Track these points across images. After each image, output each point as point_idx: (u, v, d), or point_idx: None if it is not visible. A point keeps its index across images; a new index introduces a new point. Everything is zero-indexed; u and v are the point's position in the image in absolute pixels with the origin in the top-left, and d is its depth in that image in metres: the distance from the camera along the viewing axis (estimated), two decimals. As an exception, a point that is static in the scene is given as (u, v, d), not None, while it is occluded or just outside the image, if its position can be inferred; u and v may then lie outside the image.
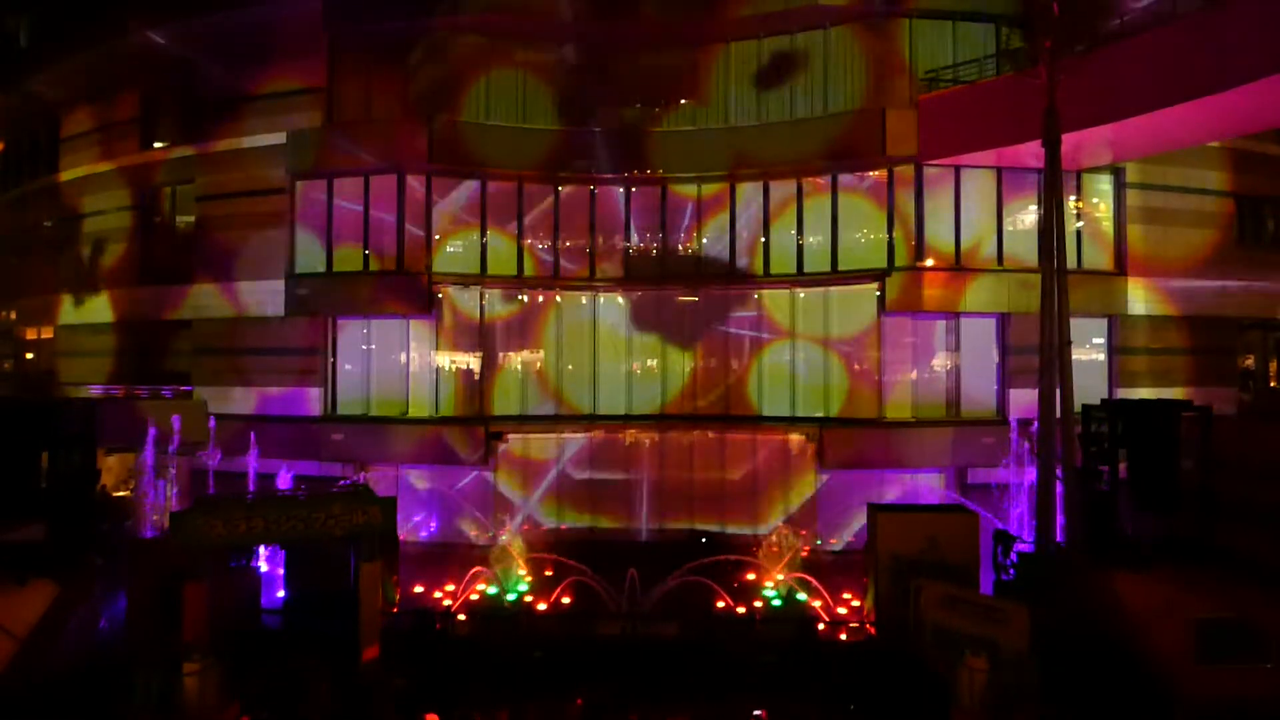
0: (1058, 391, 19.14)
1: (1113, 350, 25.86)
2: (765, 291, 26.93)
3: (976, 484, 24.38)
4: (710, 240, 27.23)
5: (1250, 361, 28.62)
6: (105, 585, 16.79)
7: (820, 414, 26.03)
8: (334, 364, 26.82)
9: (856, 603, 19.93)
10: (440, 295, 26.19)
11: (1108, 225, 26.07)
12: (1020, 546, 19.32)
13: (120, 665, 14.85)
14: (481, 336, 26.95)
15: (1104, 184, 25.99)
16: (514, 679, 17.05)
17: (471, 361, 26.93)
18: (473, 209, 26.78)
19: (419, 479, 26.29)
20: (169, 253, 29.11)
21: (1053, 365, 19.28)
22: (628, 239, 27.27)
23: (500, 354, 27.38)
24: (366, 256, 26.37)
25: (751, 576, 21.54)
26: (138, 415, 22.89)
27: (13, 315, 36.10)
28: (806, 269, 26.27)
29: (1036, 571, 18.31)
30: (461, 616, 18.75)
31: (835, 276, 25.91)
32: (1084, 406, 18.83)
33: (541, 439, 26.80)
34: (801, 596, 20.43)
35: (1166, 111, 19.92)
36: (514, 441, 26.50)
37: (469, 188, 26.71)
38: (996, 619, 15.23)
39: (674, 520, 26.35)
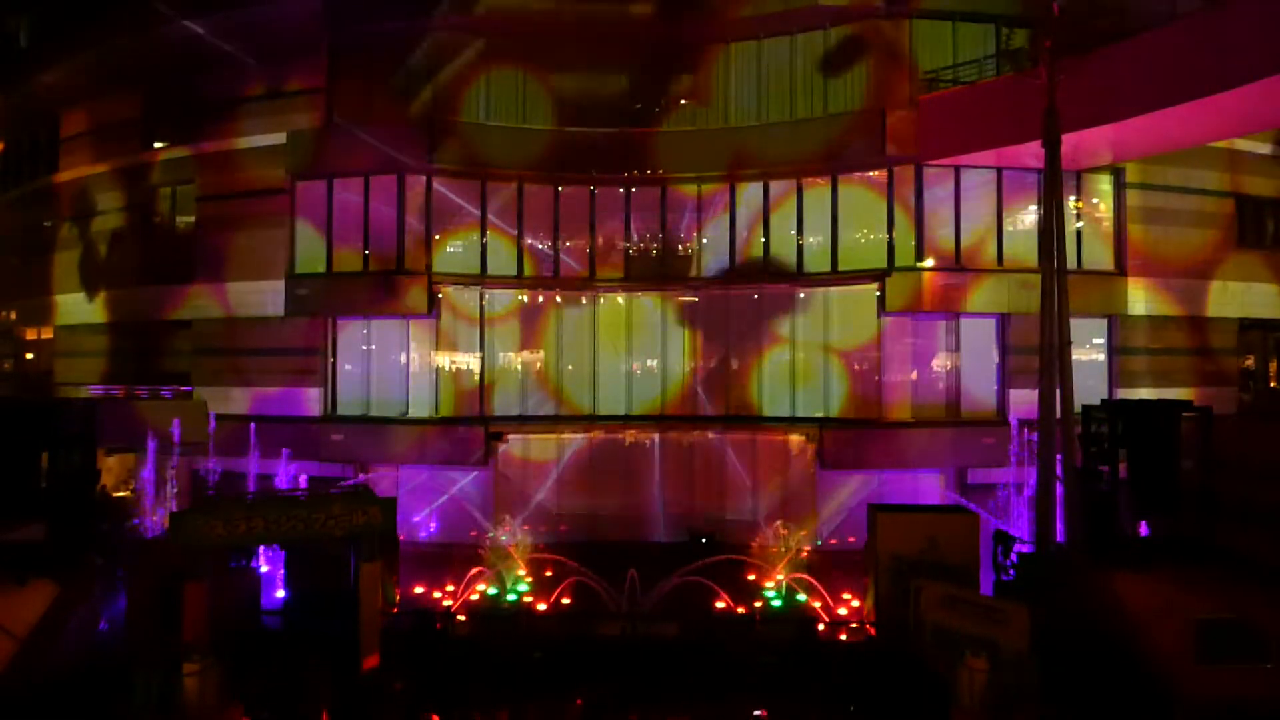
0: (1058, 392, 19.14)
1: (1113, 350, 25.86)
2: (765, 291, 26.92)
3: (977, 484, 24.39)
4: (710, 240, 27.22)
5: (1250, 361, 28.61)
6: (105, 585, 16.78)
7: (820, 414, 26.03)
8: (334, 364, 26.83)
9: (856, 603, 19.93)
10: (440, 295, 26.19)
11: (1108, 225, 26.08)
12: (1020, 547, 19.31)
13: (120, 665, 14.83)
14: (481, 337, 26.95)
15: (1104, 184, 25.99)
16: (514, 679, 17.04)
17: (471, 362, 26.93)
18: (473, 209, 26.76)
19: (419, 479, 26.26)
20: (169, 253, 29.09)
21: (1053, 365, 19.28)
22: (627, 239, 27.27)
23: (500, 354, 27.38)
24: (366, 256, 26.38)
25: (751, 577, 21.54)
26: (138, 416, 22.93)
27: (13, 315, 36.09)
28: (806, 269, 26.28)
29: (1036, 572, 18.30)
30: (461, 617, 18.75)
31: (835, 277, 25.91)
32: (1084, 407, 18.83)
33: (541, 439, 26.81)
34: (801, 597, 20.43)
35: (1166, 111, 19.93)
36: (514, 442, 26.50)
37: (469, 188, 26.69)
38: (996, 619, 15.23)
39: (674, 520, 26.36)
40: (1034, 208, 25.38)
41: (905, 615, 16.93)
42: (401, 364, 26.65)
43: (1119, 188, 25.92)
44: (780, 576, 21.04)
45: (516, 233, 26.95)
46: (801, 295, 26.62)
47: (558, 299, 27.46)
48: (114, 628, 16.75)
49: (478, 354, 26.91)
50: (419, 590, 20.98)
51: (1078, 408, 18.99)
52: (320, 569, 18.29)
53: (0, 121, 36.92)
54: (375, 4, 26.28)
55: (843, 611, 19.65)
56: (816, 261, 26.13)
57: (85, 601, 16.08)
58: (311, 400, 26.36)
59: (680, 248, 27.39)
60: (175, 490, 22.58)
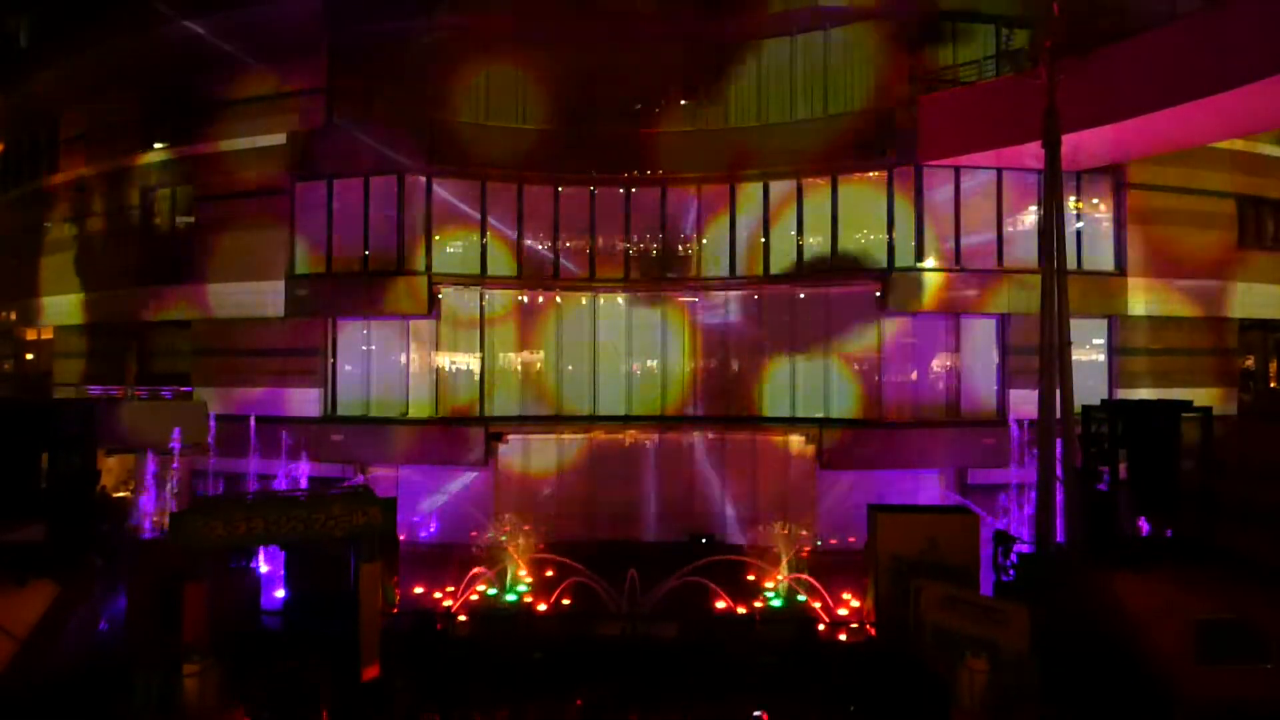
0: (1058, 392, 19.13)
1: (1113, 351, 25.86)
2: (766, 292, 26.92)
3: (977, 484, 24.39)
4: (710, 240, 27.21)
5: (1250, 361, 28.62)
6: (105, 585, 16.77)
7: (820, 414, 26.01)
8: (334, 364, 26.82)
9: (856, 603, 19.92)
10: (440, 295, 26.17)
11: (1108, 225, 26.07)
12: (1020, 547, 19.31)
13: (120, 665, 14.82)
14: (481, 337, 26.93)
15: (1104, 185, 25.97)
16: (514, 679, 17.05)
17: (471, 362, 26.92)
18: (472, 209, 26.75)
19: (419, 480, 26.25)
20: (169, 253, 29.06)
21: (1053, 366, 19.27)
22: (627, 239, 27.25)
23: (500, 354, 27.37)
24: (366, 257, 26.36)
25: (751, 577, 21.53)
26: (138, 416, 22.93)
27: (13, 315, 36.08)
28: (807, 269, 26.26)
29: (1036, 572, 18.30)
30: (462, 617, 18.75)
31: (835, 276, 25.90)
32: (1084, 407, 18.84)
33: (541, 439, 26.81)
34: (801, 597, 20.42)
35: (1166, 111, 19.92)
36: (514, 442, 26.49)
37: (469, 188, 26.68)
38: (996, 620, 15.23)
39: (674, 520, 26.36)
40: (1034, 208, 25.37)
41: (905, 615, 16.93)
42: (401, 364, 26.63)
43: (1119, 188, 25.90)
44: (780, 576, 21.02)
45: (516, 233, 26.94)
46: (801, 295, 26.60)
47: (558, 299, 27.46)
48: (114, 628, 16.74)
49: (478, 354, 26.90)
50: (419, 590, 20.96)
51: (1078, 408, 18.99)
52: (320, 569, 18.27)
53: (0, 121, 36.92)
54: (375, 4, 26.28)
55: (843, 612, 19.64)
56: (817, 261, 26.11)
57: (85, 601, 16.06)
58: (311, 401, 26.34)
59: (680, 248, 27.39)
60: (175, 490, 22.57)
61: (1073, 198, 25.41)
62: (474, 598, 20.36)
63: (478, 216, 26.76)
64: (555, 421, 26.92)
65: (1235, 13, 18.41)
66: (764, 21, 26.08)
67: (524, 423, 26.83)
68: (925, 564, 17.59)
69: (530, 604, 19.98)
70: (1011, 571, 18.89)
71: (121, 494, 22.41)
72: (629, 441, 26.81)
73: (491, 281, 26.84)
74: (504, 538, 22.04)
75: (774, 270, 26.62)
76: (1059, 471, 19.17)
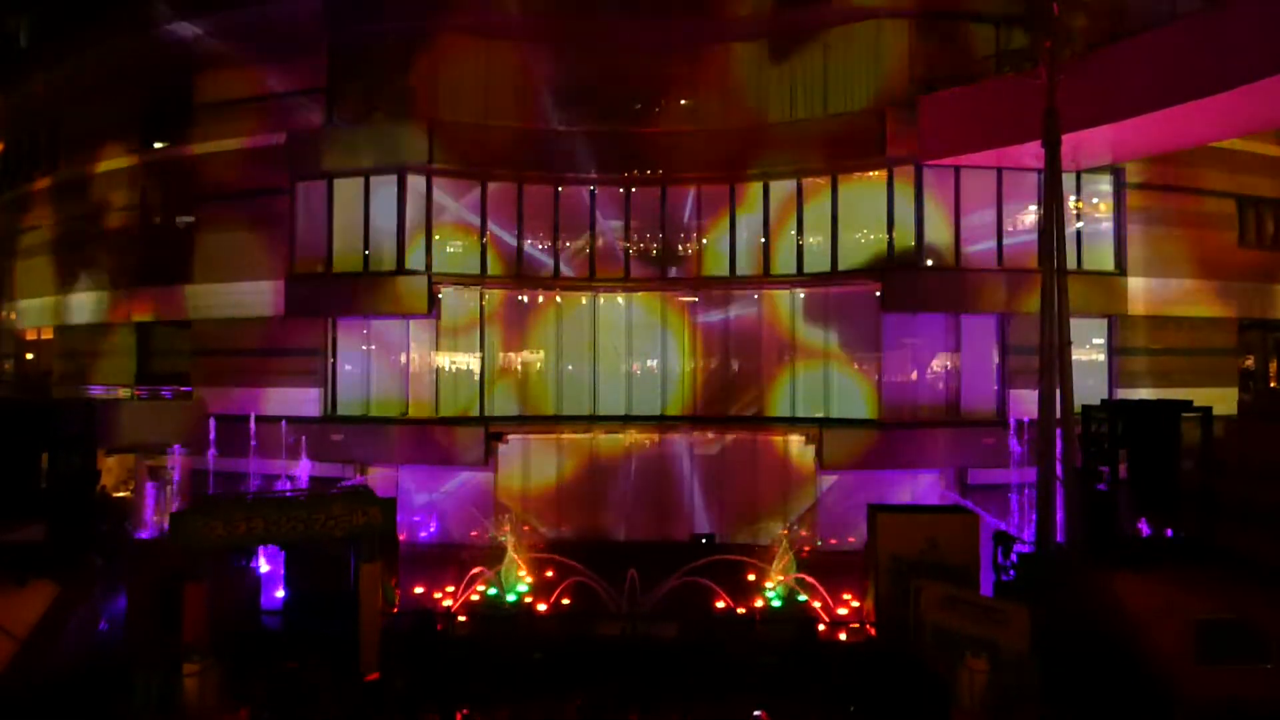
0: (1058, 392, 19.13)
1: (1113, 350, 25.86)
2: (765, 291, 26.91)
3: (977, 484, 24.38)
4: (710, 240, 27.22)
5: (1250, 361, 28.62)
6: (105, 585, 16.79)
7: (820, 414, 26.01)
8: (334, 364, 26.81)
9: (856, 603, 19.92)
10: (440, 295, 26.16)
11: (1108, 225, 26.06)
12: (1020, 547, 19.32)
13: (120, 665, 14.84)
14: (481, 337, 26.92)
15: (1104, 184, 25.96)
16: (514, 679, 17.04)
17: (471, 362, 26.92)
18: (473, 209, 26.75)
19: (419, 480, 26.25)
20: (169, 253, 29.07)
21: (1053, 365, 19.27)
22: (628, 239, 27.25)
23: (500, 354, 27.36)
24: (366, 256, 26.35)
25: (751, 577, 21.52)
26: (138, 416, 22.95)
27: (12, 315, 36.08)
28: (807, 269, 26.26)
29: (1036, 572, 18.30)
30: (462, 617, 18.75)
31: (835, 276, 25.89)
32: (1084, 407, 18.85)
33: (541, 439, 26.80)
34: (801, 597, 20.41)
35: (1166, 111, 19.89)
36: (514, 442, 26.47)
37: (469, 188, 26.68)
38: (996, 620, 15.24)
39: (674, 520, 26.35)
40: (1034, 208, 25.36)
41: (905, 615, 16.94)
42: (401, 364, 26.62)
43: (1119, 188, 25.89)
44: (780, 576, 21.02)
45: (516, 233, 26.93)
46: (802, 295, 26.60)
47: (558, 299, 27.45)
48: (114, 628, 16.75)
49: (477, 354, 26.89)
50: (419, 590, 20.96)
51: (1078, 408, 19.00)
52: (320, 569, 18.29)
53: (0, 121, 36.91)
54: (375, 4, 26.28)
55: (843, 612, 19.64)
56: (817, 261, 26.10)
57: (85, 601, 16.08)
58: (311, 400, 26.33)
59: (680, 248, 27.38)
60: (175, 490, 22.59)
61: (1073, 197, 25.39)
62: (474, 598, 20.36)
63: (477, 216, 26.75)
64: (555, 421, 26.92)
65: (1235, 13, 18.39)
66: (765, 20, 26.05)
67: (524, 423, 26.83)
68: (925, 564, 17.60)
69: (530, 604, 19.98)
70: (1011, 571, 18.91)
71: (121, 494, 22.44)
72: (629, 441, 26.80)
73: (491, 281, 26.83)
74: (504, 538, 22.05)
75: (774, 270, 26.60)
76: (1059, 471, 19.18)
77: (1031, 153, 21.46)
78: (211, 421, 24.96)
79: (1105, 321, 25.75)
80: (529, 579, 21.26)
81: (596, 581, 20.01)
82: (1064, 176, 20.57)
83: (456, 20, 26.09)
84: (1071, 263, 23.38)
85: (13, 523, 16.66)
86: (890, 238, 25.24)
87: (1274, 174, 27.43)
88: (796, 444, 26.03)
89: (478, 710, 16.95)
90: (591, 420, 26.82)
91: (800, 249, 26.35)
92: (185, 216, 28.95)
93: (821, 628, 18.43)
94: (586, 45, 26.60)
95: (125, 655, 15.41)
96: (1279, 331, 28.81)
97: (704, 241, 27.25)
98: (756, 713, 16.70)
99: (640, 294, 27.36)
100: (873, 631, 18.15)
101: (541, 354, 27.52)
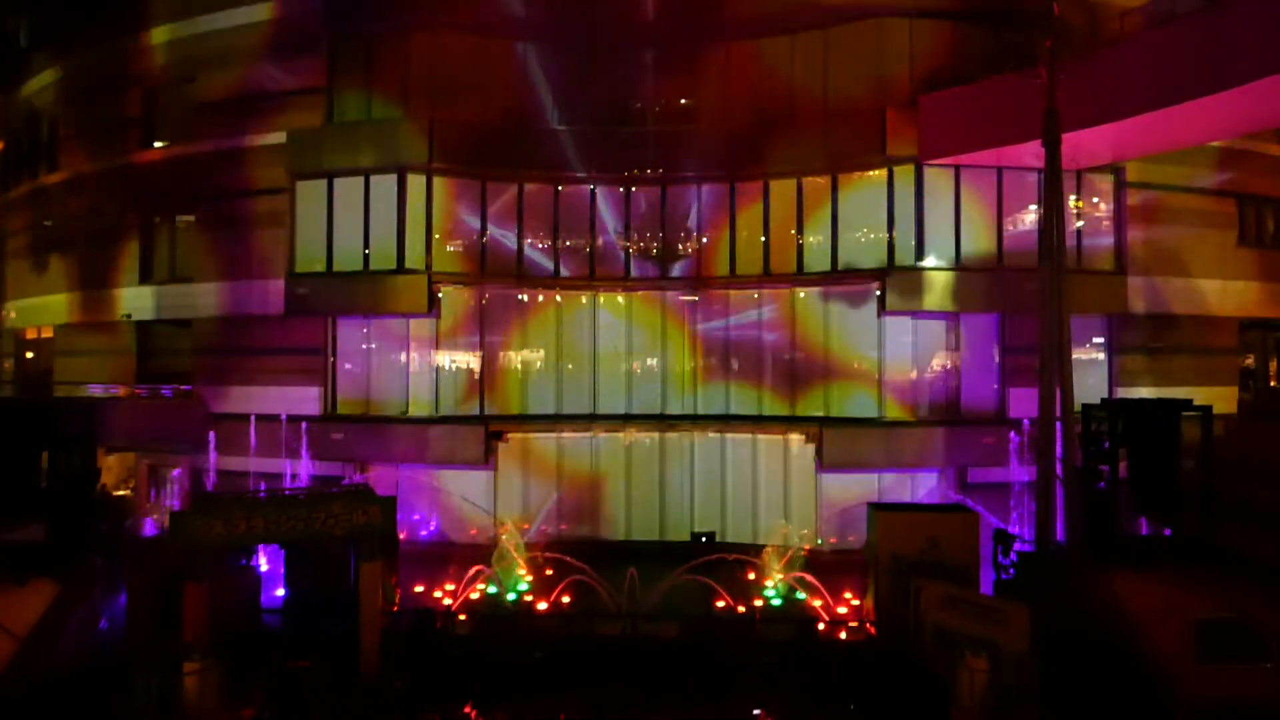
0: (1058, 391, 19.14)
1: (1113, 350, 25.85)
2: (766, 291, 26.91)
3: (977, 483, 24.38)
4: (710, 239, 27.20)
5: (1250, 361, 28.62)
6: (105, 585, 16.79)
7: (820, 414, 26.00)
8: (334, 363, 26.80)
9: (856, 602, 19.94)
10: (440, 295, 26.15)
11: (1108, 225, 26.05)
12: (1020, 546, 19.33)
13: (120, 665, 14.86)
14: (481, 336, 26.92)
15: (1104, 184, 25.95)
16: (514, 679, 17.04)
17: (471, 361, 26.92)
18: (473, 208, 26.74)
19: (419, 478, 26.26)
20: (169, 252, 29.08)
21: (1053, 365, 19.28)
22: (627, 239, 27.23)
23: (500, 353, 27.35)
24: (367, 255, 26.33)
25: (751, 576, 21.54)
26: (138, 415, 22.95)
27: (12, 314, 36.08)
28: (807, 269, 26.25)
29: (1036, 571, 18.32)
30: (462, 616, 18.75)
31: (835, 276, 25.88)
32: (1084, 406, 18.85)
33: (542, 438, 26.79)
34: (801, 596, 20.45)
35: (1166, 111, 19.89)
36: (514, 441, 26.47)
37: (469, 187, 26.67)
38: (996, 619, 15.24)
39: (674, 519, 26.38)
40: (1034, 207, 25.34)
41: (905, 615, 16.95)
42: (401, 363, 26.61)
43: (1119, 187, 25.88)
44: (780, 575, 21.05)
45: (516, 232, 26.92)
46: (802, 294, 26.60)
47: (558, 298, 27.44)
48: (114, 627, 16.76)
49: (478, 353, 26.89)
50: (419, 589, 20.98)
51: (1078, 407, 19.00)
52: (320, 568, 18.33)
53: (0, 121, 36.90)
54: (375, 4, 26.26)
55: (843, 611, 19.66)
56: (817, 261, 26.10)
57: (85, 601, 16.09)
58: (311, 399, 26.32)
59: (680, 247, 27.36)
60: (175, 490, 22.60)
61: (1073, 196, 25.39)
62: (474, 597, 20.38)
63: (477, 215, 26.75)
64: (555, 420, 26.91)
65: (1235, 13, 18.39)
66: (765, 20, 26.03)
67: (524, 421, 26.82)
68: (925, 563, 17.61)
69: (530, 603, 20.01)
70: (1011, 571, 18.91)
71: (122, 492, 22.45)
72: (629, 440, 26.81)
73: (491, 280, 26.83)
74: (504, 536, 22.07)
75: (774, 269, 26.59)
76: (1059, 470, 19.18)
77: (1032, 152, 21.46)
78: (211, 420, 24.98)
79: (1105, 320, 25.74)
80: (529, 578, 21.28)
81: (596, 580, 20.01)
82: (1064, 176, 20.57)
83: (457, 19, 26.07)
84: (1071, 261, 23.43)
85: (13, 522, 16.66)
86: (890, 237, 25.23)
87: (1274, 173, 27.43)
88: (796, 443, 26.02)
89: (478, 709, 16.95)
90: (591, 419, 26.81)
91: (800, 248, 26.34)
92: (185, 215, 28.94)
93: (821, 627, 18.43)
94: (586, 43, 26.61)
95: (125, 655, 15.43)
96: (1279, 331, 28.80)
97: (704, 240, 27.23)
98: (756, 712, 16.71)
99: (640, 293, 27.34)
100: (873, 631, 18.16)
101: (541, 353, 27.51)
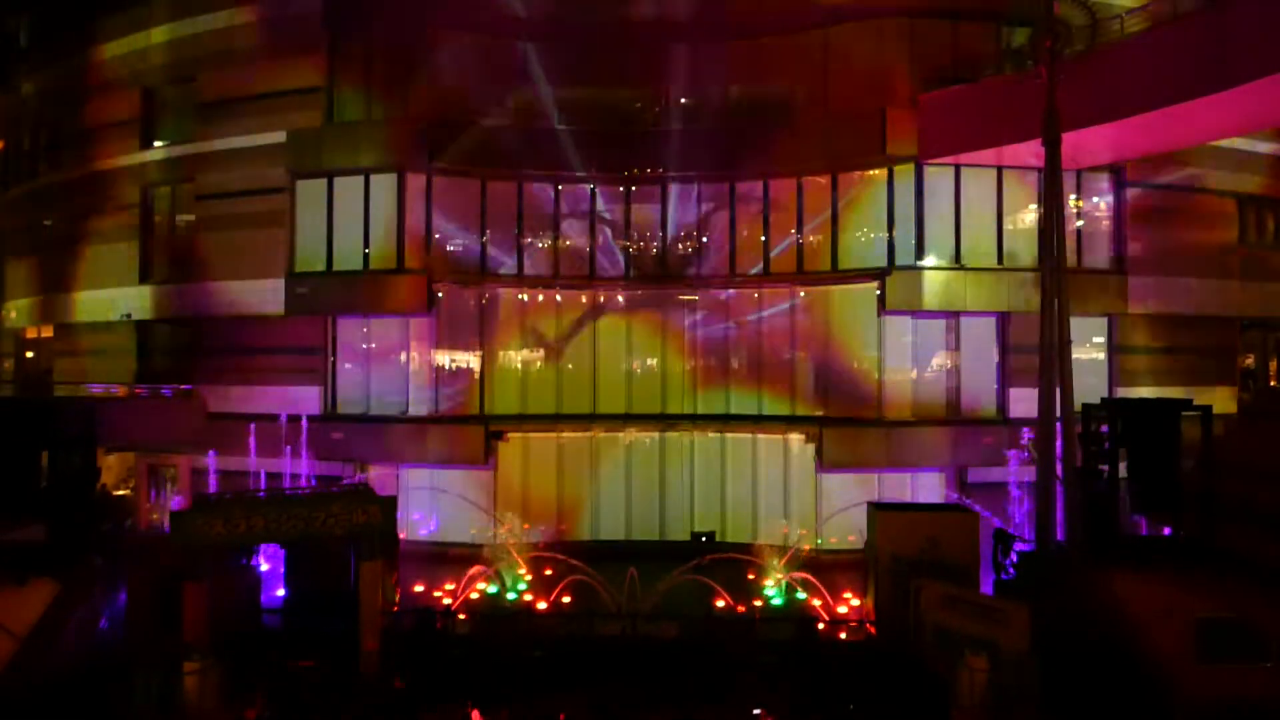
0: (1058, 391, 19.14)
1: (1113, 349, 25.85)
2: (766, 290, 26.90)
3: (977, 483, 24.39)
4: (710, 239, 27.20)
5: (1250, 361, 28.62)
6: (105, 585, 16.79)
7: (820, 413, 26.00)
8: (334, 363, 26.79)
9: (856, 602, 19.95)
10: (440, 294, 26.15)
11: (1108, 224, 26.06)
12: (1020, 546, 19.33)
13: (120, 665, 14.86)
14: (481, 335, 26.92)
15: (1104, 183, 25.96)
16: (514, 678, 17.04)
17: (471, 360, 26.91)
18: (473, 208, 26.73)
19: (419, 478, 26.25)
20: (169, 251, 29.06)
21: (1053, 364, 19.28)
22: (627, 238, 27.24)
23: (500, 353, 27.35)
24: (366, 255, 26.33)
25: (751, 575, 21.54)
26: (138, 415, 22.93)
27: (12, 314, 36.06)
28: (807, 268, 26.25)
29: (1036, 571, 18.32)
30: (462, 616, 18.77)
31: (835, 276, 25.89)
32: (1084, 405, 18.86)
33: (542, 438, 26.78)
34: (801, 596, 20.45)
35: (1167, 111, 19.91)
36: (514, 440, 26.46)
37: (469, 186, 26.65)
38: (996, 619, 15.25)
39: (674, 519, 26.38)
40: (1034, 206, 25.34)
41: (905, 615, 16.96)
42: (401, 362, 26.60)
43: (1119, 187, 25.89)
44: (780, 575, 21.05)
45: (516, 231, 26.92)
46: (802, 294, 26.59)
47: (557, 298, 27.43)
48: (114, 627, 16.76)
49: (478, 352, 26.89)
50: (419, 589, 20.99)
51: (1078, 406, 19.00)
52: (320, 568, 18.34)
53: (0, 121, 36.88)
54: (375, 4, 26.24)
55: (843, 611, 19.67)
56: (817, 260, 26.09)
57: (85, 601, 16.09)
58: (311, 399, 26.31)
59: (680, 246, 27.36)
60: (175, 490, 22.57)
61: (1073, 196, 25.39)
62: (474, 596, 20.40)
63: (477, 215, 26.73)
64: (555, 420, 26.90)
65: (1236, 13, 18.39)
66: (765, 19, 26.02)
67: (524, 421, 26.81)
68: (925, 563, 17.62)
69: (530, 602, 20.02)
70: (1011, 570, 18.92)
71: (122, 492, 22.42)
72: (629, 439, 26.81)
73: (491, 280, 26.83)
74: (504, 536, 22.07)
75: (774, 269, 26.60)
76: (1059, 470, 19.18)
77: (1032, 151, 21.48)
78: (211, 420, 24.94)
79: (1105, 320, 25.74)
80: (529, 577, 21.28)
81: (596, 580, 20.01)
82: (1064, 175, 20.57)
83: (457, 19, 26.07)
84: (1071, 261, 23.43)
85: (13, 522, 16.67)
86: (890, 236, 25.23)
87: (1274, 173, 27.42)
88: (797, 442, 26.02)
89: (478, 708, 16.95)
90: (591, 418, 26.80)
91: (800, 247, 26.34)
92: (185, 215, 28.93)
93: (821, 627, 18.44)
94: (587, 43, 26.57)
95: (125, 654, 15.43)
96: (1279, 331, 28.80)
97: (704, 240, 27.23)
98: (756, 712, 16.71)
99: (640, 292, 27.33)
100: (873, 631, 18.16)
101: (541, 352, 27.51)
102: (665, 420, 26.87)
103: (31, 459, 17.28)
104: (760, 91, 26.66)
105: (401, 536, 21.68)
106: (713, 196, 27.11)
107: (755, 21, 26.10)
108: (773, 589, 20.76)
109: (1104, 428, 18.23)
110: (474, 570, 20.83)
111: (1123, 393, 24.66)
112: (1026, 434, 22.13)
